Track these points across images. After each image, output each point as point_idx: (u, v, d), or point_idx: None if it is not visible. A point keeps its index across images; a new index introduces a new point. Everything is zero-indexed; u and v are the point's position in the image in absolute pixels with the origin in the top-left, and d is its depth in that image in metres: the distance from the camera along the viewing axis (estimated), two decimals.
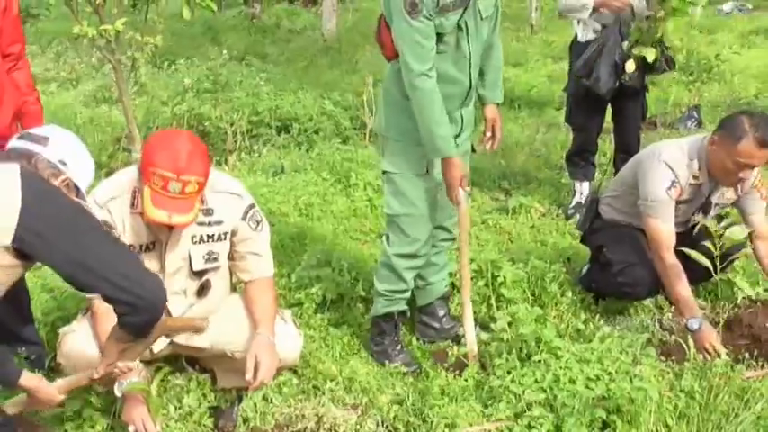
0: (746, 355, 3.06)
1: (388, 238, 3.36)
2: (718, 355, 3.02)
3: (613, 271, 3.53)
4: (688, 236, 3.41)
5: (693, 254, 3.23)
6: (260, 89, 7.53)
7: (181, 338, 2.93)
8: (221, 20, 13.90)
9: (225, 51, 8.85)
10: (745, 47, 10.40)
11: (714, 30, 11.83)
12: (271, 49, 11.51)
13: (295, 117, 6.95)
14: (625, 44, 4.58)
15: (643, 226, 3.42)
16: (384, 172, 3.30)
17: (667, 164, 3.34)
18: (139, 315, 2.22)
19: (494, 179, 5.66)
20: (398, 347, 3.43)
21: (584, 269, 3.88)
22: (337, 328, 3.61)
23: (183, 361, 3.15)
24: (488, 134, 3.37)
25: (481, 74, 3.27)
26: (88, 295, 2.69)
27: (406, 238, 3.26)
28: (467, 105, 3.25)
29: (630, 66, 4.55)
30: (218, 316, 2.92)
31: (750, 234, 3.38)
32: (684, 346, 3.09)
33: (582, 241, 3.95)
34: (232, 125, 6.59)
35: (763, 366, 3.04)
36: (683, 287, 3.24)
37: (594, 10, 4.64)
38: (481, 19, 3.08)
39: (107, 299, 2.19)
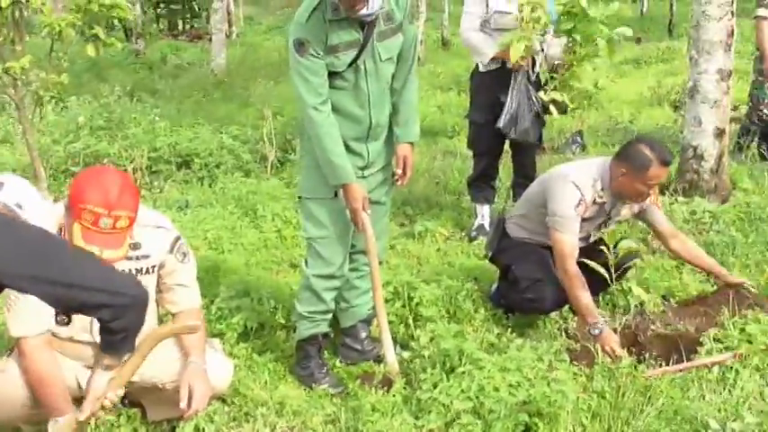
0: (647, 355, 3.34)
1: (306, 260, 3.49)
2: (620, 358, 3.30)
3: (521, 288, 3.76)
4: (589, 250, 3.69)
5: (592, 264, 3.52)
6: (156, 125, 7.51)
7: None
8: (104, 56, 13.63)
9: (117, 87, 8.75)
10: (618, 76, 11.11)
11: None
12: (160, 85, 11.44)
13: (195, 152, 6.98)
14: (542, 93, 4.97)
15: (550, 241, 3.67)
16: (299, 197, 3.48)
17: (575, 184, 3.61)
18: (126, 314, 2.21)
19: (398, 206, 5.86)
20: (324, 370, 3.54)
21: (494, 287, 4.10)
22: (261, 355, 3.68)
23: None
24: (399, 171, 3.48)
25: (396, 111, 3.41)
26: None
27: (323, 260, 3.41)
28: (374, 140, 3.37)
29: (554, 112, 5.03)
30: None
31: (664, 239, 3.90)
32: (593, 350, 3.34)
33: (490, 260, 4.14)
34: (131, 162, 6.56)
35: (662, 365, 3.31)
36: (585, 296, 3.50)
37: (494, 58, 4.96)
38: (381, 60, 3.20)
39: (87, 308, 2.18)
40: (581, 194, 3.61)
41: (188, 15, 20.97)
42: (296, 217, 5.40)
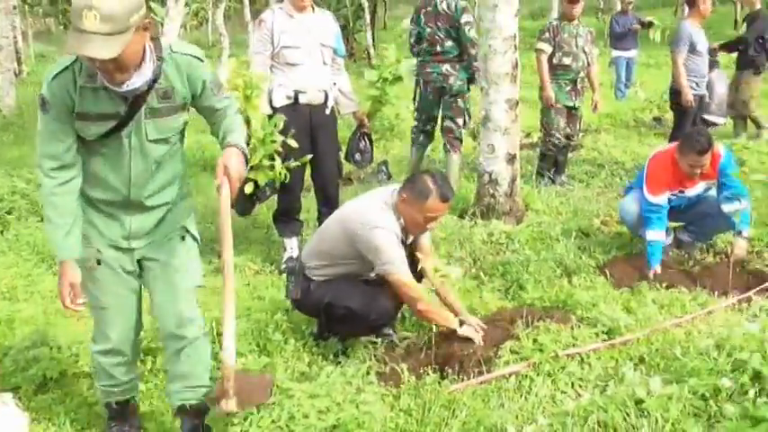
0: (450, 371, 3.49)
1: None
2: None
3: (360, 314, 3.74)
4: None
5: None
6: None
7: None
8: None
9: None
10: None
11: (398, 97, 12.97)
12: None
13: None
14: None
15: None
16: None
17: (386, 228, 3.67)
18: None
19: (206, 242, 5.75)
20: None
21: (315, 329, 4.08)
22: (63, 404, 3.51)
23: None
24: (217, 181, 2.83)
25: (215, 133, 3.04)
26: None
27: (101, 334, 3.11)
28: (139, 214, 2.99)
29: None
30: None
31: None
32: (398, 369, 3.44)
33: (297, 308, 4.07)
34: None
35: (463, 379, 3.46)
36: (444, 316, 3.75)
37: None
38: (149, 140, 2.84)
39: None
40: (395, 233, 3.70)
41: None
42: None
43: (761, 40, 8.83)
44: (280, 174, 4.86)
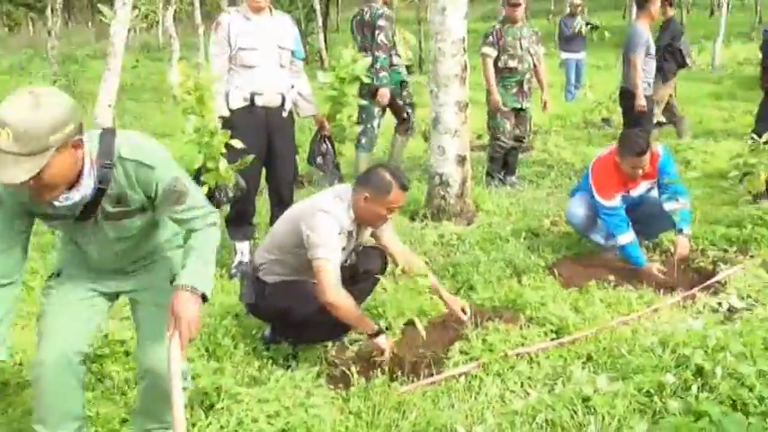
0: (400, 372, 3.51)
1: None
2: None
3: (319, 320, 3.67)
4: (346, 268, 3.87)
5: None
6: None
7: None
8: None
9: None
10: None
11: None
12: None
13: None
14: None
15: (313, 276, 3.63)
16: None
17: (332, 215, 3.66)
18: None
19: None
20: None
21: (268, 332, 4.04)
22: (6, 414, 3.44)
23: None
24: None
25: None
26: None
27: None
28: (122, 276, 2.90)
29: None
30: None
31: (393, 258, 4.05)
32: (348, 373, 3.44)
33: (251, 312, 4.02)
34: None
35: (413, 381, 3.48)
36: (356, 315, 3.61)
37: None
38: (109, 239, 2.73)
39: None
40: (340, 225, 3.69)
41: None
42: (43, 267, 5.12)
43: (669, 48, 8.89)
44: (228, 174, 4.81)
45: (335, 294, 3.53)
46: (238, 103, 5.08)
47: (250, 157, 4.91)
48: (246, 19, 5.07)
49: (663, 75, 8.75)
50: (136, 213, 2.68)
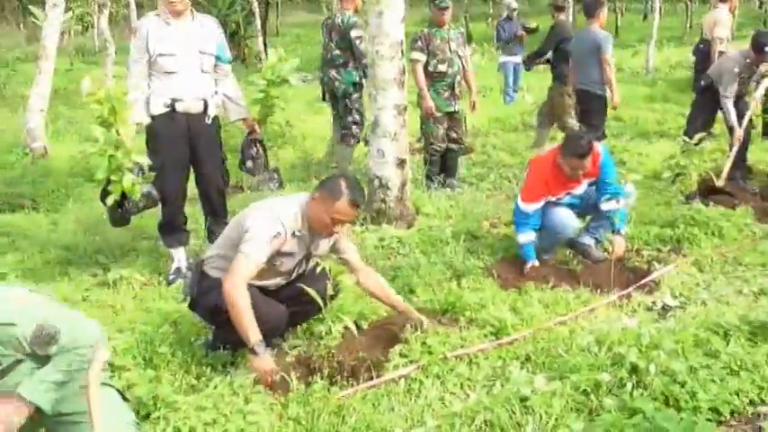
0: (339, 377, 3.49)
1: None
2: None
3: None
4: (306, 277, 3.90)
5: (310, 291, 3.73)
6: None
7: None
8: None
9: None
10: (313, 113, 11.53)
11: (286, 100, 12.93)
12: None
13: None
14: None
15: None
16: None
17: (276, 217, 3.62)
18: None
19: (90, 255, 5.60)
20: None
21: (210, 337, 3.98)
22: None
23: None
24: None
25: None
26: None
27: None
28: None
29: None
30: None
31: (354, 273, 4.01)
32: (287, 378, 3.41)
33: (191, 306, 3.94)
34: None
35: (353, 385, 3.47)
36: (247, 322, 3.44)
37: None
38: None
39: None
40: (282, 227, 3.63)
41: None
42: None
43: (558, 50, 9.00)
44: (133, 187, 4.74)
45: (235, 288, 3.45)
46: (159, 109, 4.99)
47: (152, 175, 4.86)
48: (166, 24, 4.97)
49: (561, 79, 8.83)
50: (11, 369, 2.48)
